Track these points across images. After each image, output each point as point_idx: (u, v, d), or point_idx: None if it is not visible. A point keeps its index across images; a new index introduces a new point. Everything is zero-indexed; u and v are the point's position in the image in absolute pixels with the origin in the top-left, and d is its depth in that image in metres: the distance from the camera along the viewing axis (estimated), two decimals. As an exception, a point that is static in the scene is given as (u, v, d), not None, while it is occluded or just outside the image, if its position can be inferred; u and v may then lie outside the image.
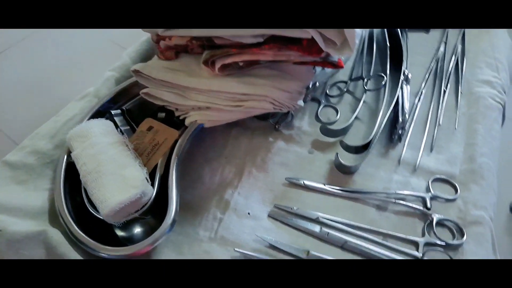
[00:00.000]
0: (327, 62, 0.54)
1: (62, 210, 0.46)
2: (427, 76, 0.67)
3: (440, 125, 0.61)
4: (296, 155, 0.60)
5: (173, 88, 0.54)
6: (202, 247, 0.50)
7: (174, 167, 0.50)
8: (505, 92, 0.66)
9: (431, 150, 0.59)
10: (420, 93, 0.65)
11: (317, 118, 0.63)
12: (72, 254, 0.43)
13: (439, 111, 0.63)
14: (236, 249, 0.49)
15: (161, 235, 0.44)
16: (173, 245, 0.50)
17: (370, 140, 0.56)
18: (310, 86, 0.58)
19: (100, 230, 0.47)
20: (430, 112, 0.63)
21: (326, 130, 0.60)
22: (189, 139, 0.54)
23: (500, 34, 0.73)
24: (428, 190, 0.54)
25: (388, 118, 0.59)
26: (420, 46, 0.73)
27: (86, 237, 0.44)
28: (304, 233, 0.52)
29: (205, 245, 0.50)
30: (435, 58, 0.69)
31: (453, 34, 0.74)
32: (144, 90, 0.55)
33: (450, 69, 0.68)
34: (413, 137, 0.60)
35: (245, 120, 0.63)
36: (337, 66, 0.56)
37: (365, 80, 0.65)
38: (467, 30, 0.74)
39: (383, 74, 0.63)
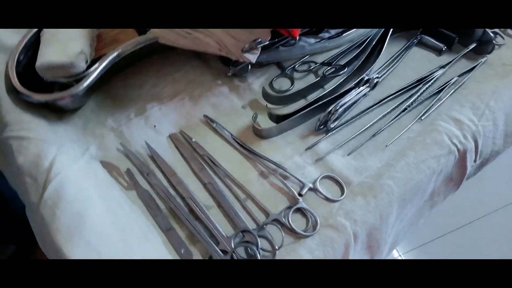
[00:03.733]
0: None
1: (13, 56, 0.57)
2: (401, 90, 0.63)
3: (374, 136, 0.59)
4: (230, 104, 0.63)
5: None
6: (102, 130, 0.58)
7: (110, 57, 0.58)
8: (475, 142, 0.59)
9: (349, 153, 0.57)
10: (379, 101, 0.62)
11: (270, 83, 0.65)
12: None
13: (385, 124, 0.59)
14: (122, 143, 0.56)
15: (71, 94, 0.54)
16: (85, 118, 0.59)
17: (288, 114, 0.57)
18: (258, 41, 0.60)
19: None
20: (374, 121, 0.60)
21: (265, 94, 0.62)
22: (138, 45, 0.60)
23: (512, 85, 0.64)
24: (314, 181, 0.54)
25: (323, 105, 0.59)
26: (419, 63, 0.68)
27: (18, 82, 0.55)
28: (185, 161, 0.56)
29: (105, 130, 0.58)
30: (423, 78, 0.65)
31: (461, 66, 0.67)
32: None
33: (427, 93, 0.63)
34: (342, 135, 0.59)
35: (209, 58, 0.68)
36: (291, 35, 0.57)
37: (330, 67, 0.64)
38: (480, 69, 0.66)
39: (345, 66, 0.62)
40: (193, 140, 0.58)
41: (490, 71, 0.66)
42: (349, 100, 0.60)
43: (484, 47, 0.68)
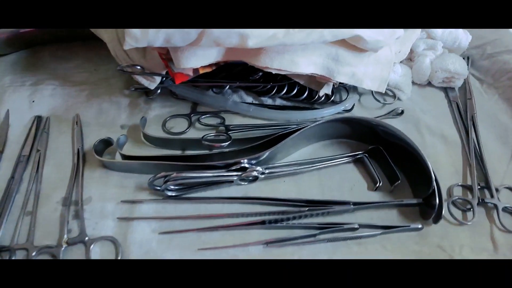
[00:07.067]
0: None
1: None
2: (278, 200, 0.50)
3: (199, 231, 0.47)
4: (115, 117, 0.59)
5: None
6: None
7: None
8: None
9: (161, 233, 0.47)
10: (243, 197, 0.50)
11: (165, 120, 0.58)
12: None
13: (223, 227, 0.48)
14: (-12, 100, 0.57)
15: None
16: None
17: (129, 156, 0.50)
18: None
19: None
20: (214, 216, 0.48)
21: (143, 127, 0.56)
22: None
23: None
24: (95, 239, 0.46)
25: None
26: (336, 184, 0.53)
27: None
28: (22, 146, 0.54)
29: (-7, 83, 0.60)
30: (319, 203, 0.49)
31: (387, 216, 0.49)
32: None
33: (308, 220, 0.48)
34: (177, 210, 0.49)
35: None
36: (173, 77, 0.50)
37: (218, 133, 0.54)
38: (406, 233, 0.48)
39: (230, 138, 0.51)
40: (45, 131, 0.55)
41: (410, 242, 0.48)
42: (205, 177, 0.49)
43: (430, 212, 0.48)
